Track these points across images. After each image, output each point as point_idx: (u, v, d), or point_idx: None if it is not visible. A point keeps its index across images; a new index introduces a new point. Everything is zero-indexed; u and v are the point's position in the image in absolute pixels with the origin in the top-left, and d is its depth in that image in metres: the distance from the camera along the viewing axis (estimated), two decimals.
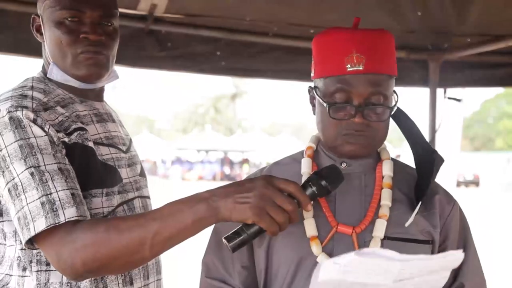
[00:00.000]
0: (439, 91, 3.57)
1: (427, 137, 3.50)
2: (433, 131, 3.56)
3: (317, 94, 1.37)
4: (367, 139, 1.34)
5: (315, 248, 1.33)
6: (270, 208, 1.17)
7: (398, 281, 1.07)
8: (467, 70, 3.53)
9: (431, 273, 1.09)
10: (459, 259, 1.07)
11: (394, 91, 1.39)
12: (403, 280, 1.07)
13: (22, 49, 2.69)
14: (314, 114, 1.42)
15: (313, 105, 1.42)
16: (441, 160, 1.39)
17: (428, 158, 1.40)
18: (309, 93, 1.43)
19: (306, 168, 1.41)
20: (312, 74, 1.42)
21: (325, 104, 1.34)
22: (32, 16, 1.55)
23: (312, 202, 1.23)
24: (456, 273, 1.40)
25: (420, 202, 1.35)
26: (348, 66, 1.31)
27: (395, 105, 1.38)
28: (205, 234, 1.42)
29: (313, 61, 1.41)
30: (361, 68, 1.31)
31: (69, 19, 1.48)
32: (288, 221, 1.18)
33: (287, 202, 1.18)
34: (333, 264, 1.04)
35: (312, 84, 1.43)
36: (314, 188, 1.23)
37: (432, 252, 1.39)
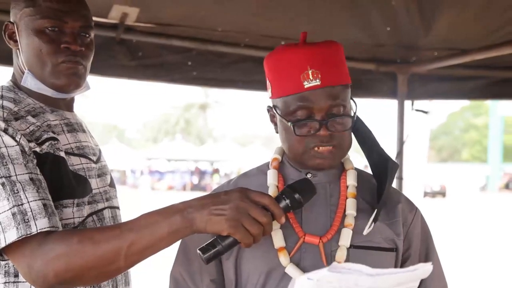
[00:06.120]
0: (407, 103, 3.63)
1: (395, 149, 3.59)
2: (401, 142, 3.62)
3: (278, 114, 1.38)
4: (334, 151, 1.36)
5: (283, 259, 1.34)
6: (245, 221, 1.18)
7: None
8: (434, 82, 3.59)
9: (401, 285, 1.13)
10: (428, 271, 1.12)
11: (352, 99, 1.40)
12: None
13: None
14: (277, 132, 1.43)
15: (275, 124, 1.43)
16: (395, 166, 1.41)
17: (384, 165, 1.42)
18: (269, 112, 1.44)
19: (272, 180, 1.43)
20: (269, 95, 1.42)
21: (289, 124, 1.35)
22: (5, 23, 1.54)
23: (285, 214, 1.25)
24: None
25: (376, 210, 1.37)
26: (305, 83, 1.32)
27: (355, 112, 1.40)
28: (175, 245, 1.42)
29: (268, 81, 1.42)
30: (318, 83, 1.32)
31: (49, 28, 1.47)
32: (262, 233, 1.19)
33: (262, 215, 1.19)
34: (307, 280, 1.06)
35: (270, 104, 1.43)
36: (287, 201, 1.25)
37: (396, 259, 1.42)
